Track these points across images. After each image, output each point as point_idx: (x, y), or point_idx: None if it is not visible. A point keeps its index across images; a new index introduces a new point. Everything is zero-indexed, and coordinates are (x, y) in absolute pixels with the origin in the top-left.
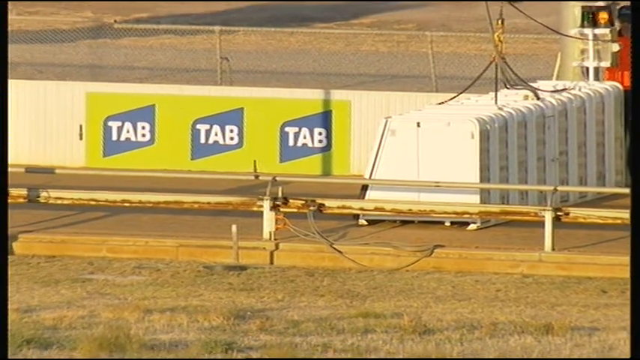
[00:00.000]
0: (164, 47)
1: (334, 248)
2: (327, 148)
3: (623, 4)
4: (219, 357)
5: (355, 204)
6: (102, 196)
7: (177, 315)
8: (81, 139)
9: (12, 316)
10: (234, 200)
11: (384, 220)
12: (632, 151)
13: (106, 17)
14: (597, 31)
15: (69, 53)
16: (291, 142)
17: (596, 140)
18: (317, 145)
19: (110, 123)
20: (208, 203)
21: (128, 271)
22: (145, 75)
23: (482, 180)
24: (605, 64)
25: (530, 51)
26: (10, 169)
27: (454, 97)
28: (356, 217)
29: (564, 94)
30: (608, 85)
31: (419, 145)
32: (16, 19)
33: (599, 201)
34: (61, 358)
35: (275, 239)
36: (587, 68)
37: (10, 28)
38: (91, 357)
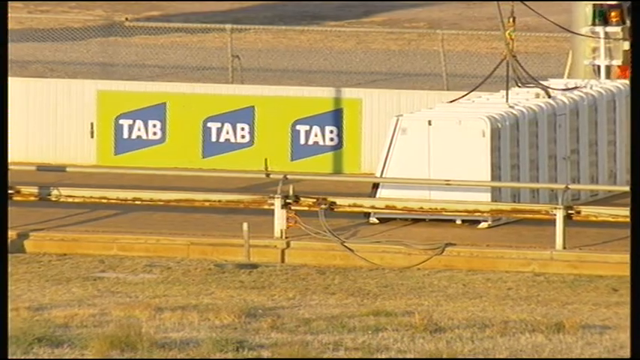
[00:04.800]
0: (175, 45)
1: (345, 246)
2: (338, 147)
3: None
4: (230, 355)
5: (366, 202)
6: (113, 194)
7: (189, 313)
8: (92, 137)
9: (23, 314)
10: (245, 198)
11: (395, 219)
12: (631, 151)
13: (117, 15)
14: (609, 29)
15: (80, 51)
16: (302, 141)
17: (608, 138)
18: (328, 143)
19: (121, 121)
20: (219, 201)
21: (139, 269)
22: (156, 73)
23: (493, 178)
24: (617, 62)
25: (541, 49)
26: (21, 167)
27: (465, 95)
28: (367, 215)
29: (575, 92)
30: (619, 84)
31: (430, 143)
32: (27, 17)
33: (611, 199)
34: (73, 356)
35: (286, 237)
36: (599, 66)
37: (21, 27)
38: (102, 355)
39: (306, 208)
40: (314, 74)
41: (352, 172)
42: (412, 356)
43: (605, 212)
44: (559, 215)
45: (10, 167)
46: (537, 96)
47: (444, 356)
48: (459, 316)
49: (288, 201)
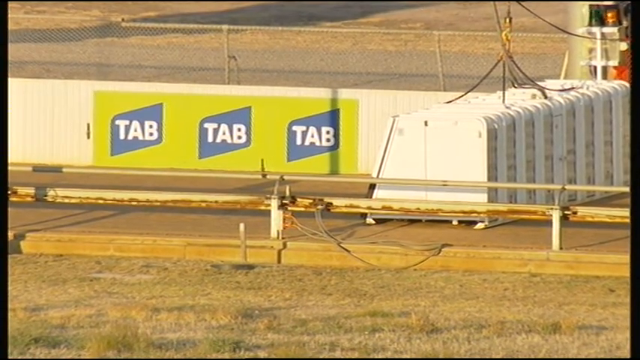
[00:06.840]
0: (172, 46)
1: (342, 247)
2: (334, 147)
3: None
4: (227, 356)
5: (363, 203)
6: (109, 194)
7: (185, 314)
8: (88, 137)
9: (19, 315)
10: (241, 199)
11: (391, 219)
12: (632, 151)
13: (113, 16)
14: (605, 29)
15: (77, 52)
16: (298, 141)
17: (604, 139)
18: (325, 143)
19: (118, 122)
20: (216, 202)
21: (136, 270)
22: (152, 74)
23: (489, 179)
24: (613, 62)
25: (537, 50)
26: (17, 168)
27: (462, 96)
28: (363, 216)
29: (572, 93)
30: (616, 84)
31: (426, 143)
32: (24, 17)
33: (607, 200)
34: (69, 356)
35: (283, 238)
36: (595, 67)
37: (18, 27)
38: (99, 356)
39: (303, 209)
40: (310, 75)
41: (349, 172)
42: (409, 357)
43: (602, 213)
44: (555, 216)
45: None
46: (534, 97)
47: (441, 357)
48: (455, 317)
49: (284, 202)
